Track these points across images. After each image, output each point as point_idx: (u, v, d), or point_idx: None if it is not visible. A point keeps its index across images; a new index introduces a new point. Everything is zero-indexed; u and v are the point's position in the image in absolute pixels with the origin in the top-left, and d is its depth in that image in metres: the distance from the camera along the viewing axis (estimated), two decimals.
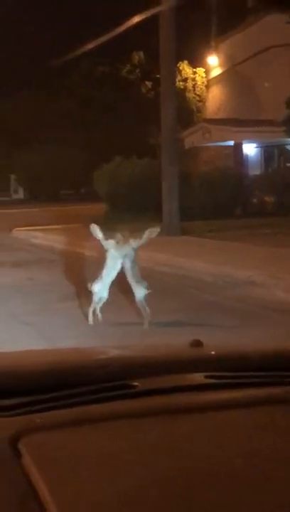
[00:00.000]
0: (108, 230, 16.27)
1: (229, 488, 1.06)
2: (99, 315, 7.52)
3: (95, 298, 7.49)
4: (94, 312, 7.52)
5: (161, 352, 1.79)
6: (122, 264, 7.36)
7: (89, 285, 7.57)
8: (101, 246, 7.46)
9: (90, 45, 18.19)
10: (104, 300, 7.49)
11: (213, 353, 1.67)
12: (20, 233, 19.41)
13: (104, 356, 1.73)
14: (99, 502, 1.01)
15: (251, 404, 1.35)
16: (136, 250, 7.41)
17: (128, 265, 7.38)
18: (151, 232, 7.47)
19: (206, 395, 1.39)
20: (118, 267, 7.37)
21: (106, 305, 7.56)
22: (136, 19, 14.96)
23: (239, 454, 1.16)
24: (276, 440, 1.23)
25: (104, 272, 7.40)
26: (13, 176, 45.56)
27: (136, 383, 1.39)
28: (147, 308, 7.38)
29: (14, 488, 1.04)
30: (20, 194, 45.49)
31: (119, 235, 7.40)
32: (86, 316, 7.59)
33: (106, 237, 7.41)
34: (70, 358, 1.70)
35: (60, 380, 1.40)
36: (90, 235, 7.61)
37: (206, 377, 1.45)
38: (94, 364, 1.57)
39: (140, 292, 7.40)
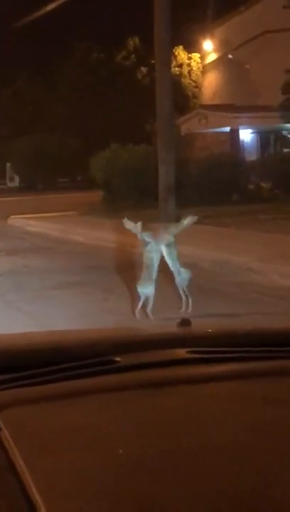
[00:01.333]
0: (105, 218, 16.23)
1: (209, 459, 1.06)
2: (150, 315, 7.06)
3: (150, 300, 6.99)
4: (143, 308, 7.03)
5: (148, 331, 1.80)
6: (165, 254, 7.10)
7: (139, 289, 7.01)
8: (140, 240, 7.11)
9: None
10: (145, 296, 7.04)
11: (197, 330, 1.68)
12: (15, 221, 19.35)
13: (89, 335, 1.73)
14: (76, 475, 1.01)
15: (232, 378, 1.37)
16: (175, 236, 7.19)
17: (173, 254, 7.12)
18: (190, 220, 7.27)
19: (187, 369, 1.40)
20: (159, 258, 7.06)
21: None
22: None
23: (220, 426, 1.17)
24: (257, 411, 1.23)
25: (151, 268, 6.99)
26: (8, 164, 45.41)
27: (118, 359, 1.40)
28: (188, 295, 7.19)
29: None
30: (16, 182, 45.35)
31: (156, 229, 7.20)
32: (145, 317, 7.01)
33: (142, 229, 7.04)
34: (55, 337, 1.70)
35: (45, 358, 1.40)
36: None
37: (188, 352, 1.46)
38: (79, 343, 1.56)
39: (184, 277, 7.18)
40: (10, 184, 45.72)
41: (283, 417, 1.21)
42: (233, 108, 30.13)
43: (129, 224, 7.13)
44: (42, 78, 42.98)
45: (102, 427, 1.15)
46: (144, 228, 7.11)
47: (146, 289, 7.01)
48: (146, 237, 7.06)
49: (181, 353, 1.45)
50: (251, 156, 28.97)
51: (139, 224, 7.06)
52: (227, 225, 14.58)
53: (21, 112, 43.27)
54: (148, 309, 7.01)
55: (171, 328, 1.73)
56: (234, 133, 30.08)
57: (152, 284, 7.01)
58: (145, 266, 7.08)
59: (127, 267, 10.06)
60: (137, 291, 7.09)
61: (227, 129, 29.98)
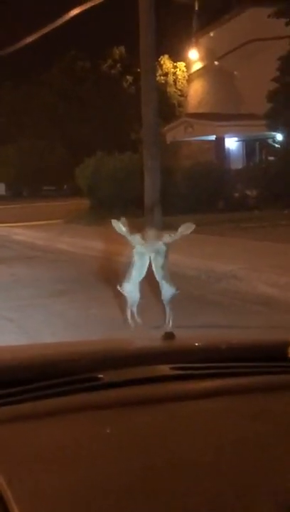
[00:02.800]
0: (91, 226, 16.18)
1: (192, 477, 1.06)
2: (138, 318, 6.96)
3: (128, 300, 6.94)
4: (132, 315, 6.97)
5: (132, 345, 1.78)
6: (151, 260, 6.88)
7: (118, 287, 6.97)
8: (127, 241, 6.94)
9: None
10: (138, 301, 6.95)
11: (181, 344, 1.66)
12: (1, 229, 19.32)
13: (73, 350, 1.71)
14: (58, 494, 1.01)
15: (215, 395, 1.35)
16: (168, 246, 6.95)
17: (159, 262, 6.89)
18: (186, 228, 6.92)
19: (169, 386, 1.39)
20: (146, 264, 6.86)
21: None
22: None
23: (203, 444, 1.16)
24: (241, 429, 1.23)
25: (132, 271, 6.89)
26: None
27: (101, 375, 1.38)
28: (170, 310, 6.96)
29: None
30: (2, 190, 45.30)
31: (146, 232, 6.96)
32: (125, 321, 6.97)
33: (132, 231, 6.88)
34: (38, 352, 1.68)
35: (25, 375, 1.39)
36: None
37: (171, 368, 1.45)
38: (62, 358, 1.55)
39: (169, 291, 6.94)
40: None
41: (267, 433, 1.21)
42: (218, 116, 30.21)
43: (116, 225, 6.92)
44: (28, 86, 42.95)
45: (84, 445, 1.15)
46: (134, 231, 7.01)
47: (124, 289, 6.93)
48: (132, 240, 6.88)
49: (164, 369, 1.44)
50: (237, 164, 29.06)
51: (123, 220, 6.88)
52: (213, 233, 14.62)
53: (7, 120, 43.21)
54: (129, 313, 6.92)
55: (155, 341, 1.71)
56: (220, 141, 30.16)
57: (132, 285, 6.88)
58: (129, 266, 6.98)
59: (113, 275, 10.07)
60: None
61: (213, 137, 30.06)
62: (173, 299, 7.01)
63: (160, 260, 6.96)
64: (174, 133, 31.27)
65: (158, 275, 6.98)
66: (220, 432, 1.21)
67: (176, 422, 1.25)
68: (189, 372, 1.44)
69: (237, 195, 22.58)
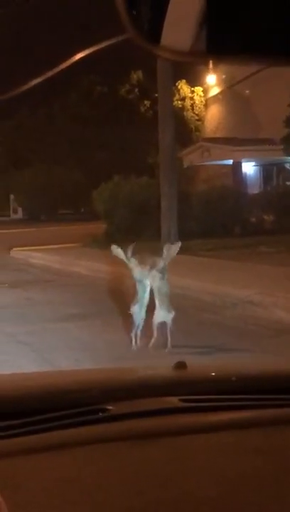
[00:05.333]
0: (108, 250, 16.26)
1: (197, 511, 1.05)
2: (137, 339, 7.08)
3: (135, 321, 7.08)
4: (135, 336, 7.07)
5: (142, 375, 1.77)
6: (154, 286, 7.02)
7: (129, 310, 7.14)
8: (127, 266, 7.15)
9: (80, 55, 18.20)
10: (141, 324, 7.07)
11: (191, 374, 1.65)
12: (18, 253, 19.39)
13: (82, 379, 1.69)
14: None
15: (224, 428, 1.34)
16: (164, 269, 7.06)
17: (156, 285, 7.04)
18: (170, 248, 7.19)
19: (177, 418, 1.37)
20: (146, 287, 7.05)
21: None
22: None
23: (209, 478, 1.15)
24: (248, 463, 1.21)
25: (137, 294, 7.10)
26: (12, 196, 45.62)
27: (110, 407, 1.37)
28: (168, 334, 7.01)
29: None
30: (20, 214, 45.55)
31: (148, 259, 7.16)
32: (130, 341, 7.10)
33: (130, 256, 7.10)
34: (48, 382, 1.66)
35: (36, 405, 1.37)
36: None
37: (180, 400, 1.43)
38: (71, 388, 1.53)
39: (163, 316, 7.00)
40: (13, 216, 45.91)
41: (269, 469, 1.19)
42: (236, 141, 30.29)
43: (115, 251, 7.20)
44: (45, 111, 43.31)
45: (90, 479, 1.13)
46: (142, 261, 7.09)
47: (132, 311, 7.09)
48: (129, 264, 7.05)
49: (173, 401, 1.43)
50: (254, 188, 29.07)
51: (121, 253, 7.13)
52: (229, 258, 14.59)
53: (24, 145, 43.54)
54: (133, 336, 7.04)
55: (166, 370, 1.70)
56: (237, 166, 30.22)
57: (137, 307, 7.04)
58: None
59: (128, 299, 10.06)
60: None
61: (230, 161, 30.12)
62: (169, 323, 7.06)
63: (157, 283, 7.04)
64: (191, 157, 31.35)
65: (155, 297, 7.07)
66: (224, 466, 1.19)
67: (184, 456, 1.24)
68: (197, 404, 1.42)
69: (253, 219, 22.55)
